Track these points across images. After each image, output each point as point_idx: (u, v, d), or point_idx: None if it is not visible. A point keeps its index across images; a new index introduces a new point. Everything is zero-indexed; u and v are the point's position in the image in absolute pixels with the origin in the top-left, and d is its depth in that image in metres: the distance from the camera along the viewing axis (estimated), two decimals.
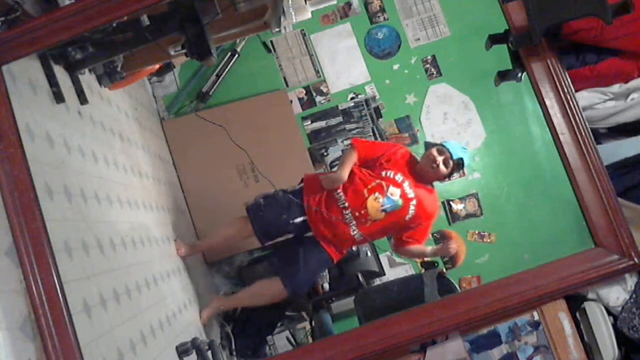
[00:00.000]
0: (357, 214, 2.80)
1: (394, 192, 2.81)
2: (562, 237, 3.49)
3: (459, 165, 2.89)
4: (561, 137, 1.79)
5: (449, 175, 2.92)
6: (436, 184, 3.01)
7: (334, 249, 2.92)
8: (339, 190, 2.84)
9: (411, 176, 2.89)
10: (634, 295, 1.73)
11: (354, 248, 3.33)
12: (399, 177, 2.85)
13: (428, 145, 3.01)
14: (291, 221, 2.89)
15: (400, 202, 2.81)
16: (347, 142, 4.21)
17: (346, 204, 2.82)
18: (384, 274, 3.59)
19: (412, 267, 4.04)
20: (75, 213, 1.89)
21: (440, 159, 2.86)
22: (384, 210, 2.80)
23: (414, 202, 2.83)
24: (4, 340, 1.33)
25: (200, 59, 2.27)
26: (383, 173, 2.87)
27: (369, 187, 2.83)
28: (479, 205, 4.19)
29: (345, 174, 2.85)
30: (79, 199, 1.95)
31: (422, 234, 2.98)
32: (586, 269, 1.72)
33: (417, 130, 4.23)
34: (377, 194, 2.80)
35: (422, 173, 2.91)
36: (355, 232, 2.84)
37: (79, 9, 1.64)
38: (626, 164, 1.90)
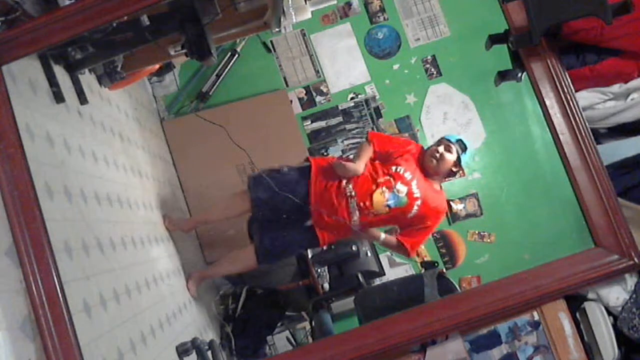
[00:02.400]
0: (361, 204, 2.81)
1: (401, 190, 2.82)
2: (562, 237, 3.49)
3: (461, 147, 2.91)
4: (561, 137, 1.79)
5: (458, 161, 2.93)
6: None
7: (326, 234, 2.93)
8: (348, 180, 2.86)
9: (421, 174, 2.90)
10: (634, 295, 1.73)
11: (353, 248, 3.34)
12: (408, 175, 2.85)
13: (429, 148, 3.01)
14: (291, 196, 2.87)
15: (405, 199, 2.82)
16: (347, 142, 4.21)
17: (353, 193, 2.82)
18: (384, 274, 3.59)
19: (412, 267, 4.05)
20: (75, 213, 1.89)
21: (441, 148, 2.88)
22: (388, 206, 2.81)
23: (418, 202, 2.84)
24: (4, 340, 1.34)
25: (200, 59, 2.27)
26: (393, 168, 2.87)
27: (378, 181, 2.84)
28: (479, 205, 4.19)
29: (362, 166, 2.86)
30: (79, 199, 1.95)
31: (419, 238, 2.98)
32: (586, 269, 1.71)
33: (417, 130, 4.23)
34: (384, 188, 2.81)
35: (429, 171, 2.92)
36: (355, 221, 2.84)
37: (79, 9, 1.64)
38: (626, 164, 1.90)
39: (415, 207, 2.84)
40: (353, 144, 4.19)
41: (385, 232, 3.03)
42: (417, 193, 2.84)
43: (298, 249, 3.19)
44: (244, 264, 3.10)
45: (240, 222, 3.31)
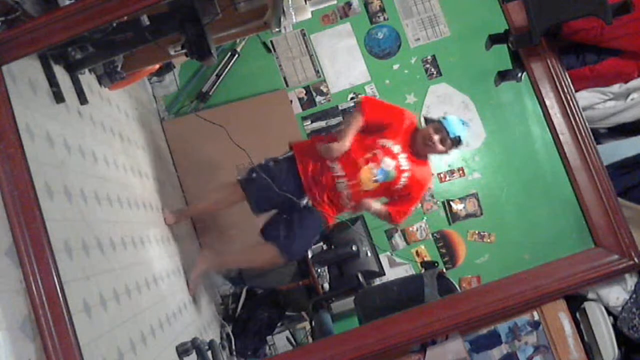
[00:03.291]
0: (350, 182, 2.81)
1: (389, 164, 2.80)
2: (562, 237, 3.49)
3: (455, 143, 2.85)
4: (561, 137, 1.79)
5: (446, 152, 2.91)
6: (437, 182, 3.01)
7: (329, 210, 2.93)
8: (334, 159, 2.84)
9: (409, 148, 2.88)
10: (634, 295, 1.73)
11: (353, 248, 3.34)
12: (396, 149, 2.83)
13: (427, 122, 2.98)
14: (286, 188, 2.87)
15: (393, 173, 2.81)
16: None
17: (339, 173, 2.82)
18: (384, 274, 3.59)
19: (412, 267, 4.05)
20: (75, 213, 1.89)
21: (436, 137, 2.83)
22: (376, 181, 2.80)
23: (406, 174, 2.84)
24: (4, 340, 1.33)
25: (200, 59, 2.27)
26: (381, 142, 2.84)
27: (365, 157, 2.81)
28: (479, 205, 4.19)
29: (348, 144, 2.81)
30: (79, 199, 1.95)
31: (407, 205, 2.99)
32: (586, 269, 1.72)
33: None
34: (371, 164, 2.80)
35: (419, 148, 2.89)
36: (348, 199, 2.86)
37: (79, 9, 1.64)
38: (626, 164, 1.90)
39: (403, 179, 2.84)
40: None
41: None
42: (404, 166, 2.83)
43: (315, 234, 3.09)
44: (268, 263, 3.04)
45: (241, 222, 3.31)
